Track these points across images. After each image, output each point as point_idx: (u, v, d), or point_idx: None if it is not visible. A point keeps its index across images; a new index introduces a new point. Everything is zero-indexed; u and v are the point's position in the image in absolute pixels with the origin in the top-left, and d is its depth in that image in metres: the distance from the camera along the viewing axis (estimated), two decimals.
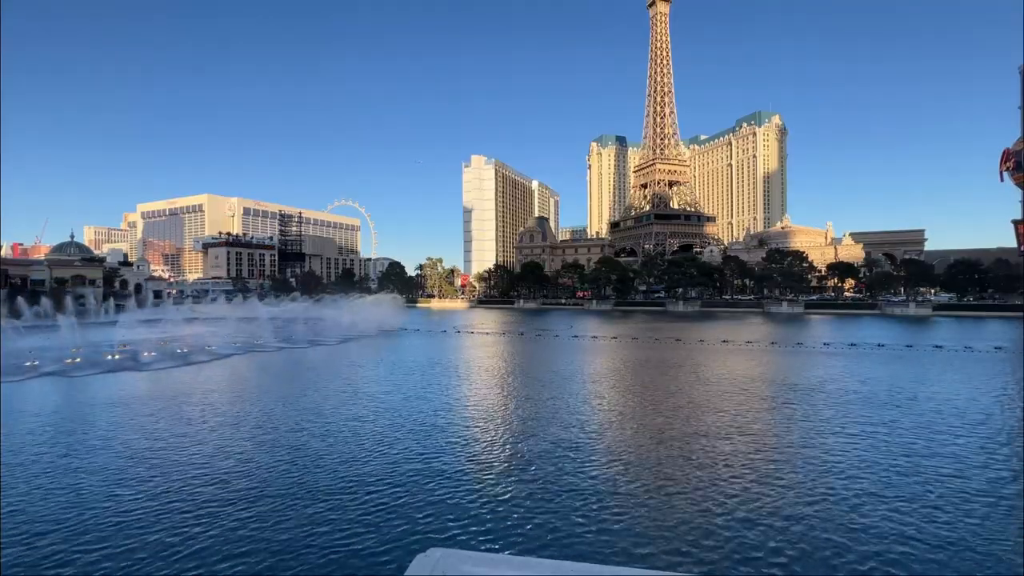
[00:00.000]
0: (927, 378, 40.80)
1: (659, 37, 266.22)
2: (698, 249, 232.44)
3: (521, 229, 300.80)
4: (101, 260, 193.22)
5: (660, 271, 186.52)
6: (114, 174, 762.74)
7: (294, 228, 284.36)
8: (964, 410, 29.33)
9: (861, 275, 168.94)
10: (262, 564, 13.10)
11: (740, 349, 60.05)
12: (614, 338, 74.22)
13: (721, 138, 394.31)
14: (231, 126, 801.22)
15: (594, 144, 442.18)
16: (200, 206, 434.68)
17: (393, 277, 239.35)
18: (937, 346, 61.67)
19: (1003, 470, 19.91)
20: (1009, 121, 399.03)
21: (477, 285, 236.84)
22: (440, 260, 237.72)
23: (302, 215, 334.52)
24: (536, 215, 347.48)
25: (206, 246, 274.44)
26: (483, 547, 14.09)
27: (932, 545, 14.02)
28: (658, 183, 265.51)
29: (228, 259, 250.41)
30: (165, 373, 43.21)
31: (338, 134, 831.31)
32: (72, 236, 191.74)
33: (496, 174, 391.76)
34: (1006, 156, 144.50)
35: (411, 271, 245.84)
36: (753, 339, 70.12)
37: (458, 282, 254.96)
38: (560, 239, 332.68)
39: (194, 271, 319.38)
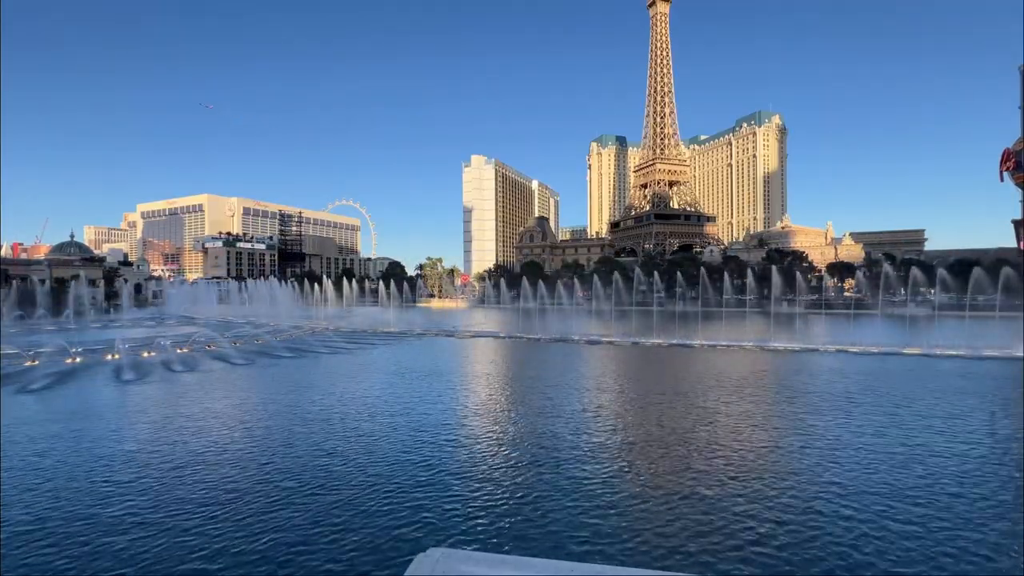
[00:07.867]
0: (925, 376, 40.84)
1: (659, 37, 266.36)
2: (698, 249, 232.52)
3: (521, 229, 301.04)
4: (101, 260, 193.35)
5: (660, 271, 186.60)
6: (114, 174, 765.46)
7: (294, 228, 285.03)
8: (961, 407, 29.36)
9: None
10: (259, 564, 13.10)
11: (740, 349, 60.12)
12: (612, 341, 74.11)
13: (721, 138, 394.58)
14: (231, 126, 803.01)
15: (594, 144, 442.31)
16: (200, 206, 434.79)
17: (393, 277, 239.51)
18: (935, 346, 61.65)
19: (1002, 468, 19.93)
20: (1009, 121, 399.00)
21: (477, 285, 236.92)
22: (440, 260, 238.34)
23: (302, 215, 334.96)
24: (536, 215, 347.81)
25: (206, 246, 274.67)
26: (483, 547, 14.10)
27: (933, 543, 14.03)
28: (658, 183, 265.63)
29: (228, 259, 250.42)
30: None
31: (338, 134, 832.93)
32: (72, 236, 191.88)
33: (496, 174, 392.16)
34: (1006, 156, 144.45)
35: (411, 271, 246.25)
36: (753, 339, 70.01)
37: (458, 282, 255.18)
38: (560, 239, 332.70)
39: (194, 271, 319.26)
